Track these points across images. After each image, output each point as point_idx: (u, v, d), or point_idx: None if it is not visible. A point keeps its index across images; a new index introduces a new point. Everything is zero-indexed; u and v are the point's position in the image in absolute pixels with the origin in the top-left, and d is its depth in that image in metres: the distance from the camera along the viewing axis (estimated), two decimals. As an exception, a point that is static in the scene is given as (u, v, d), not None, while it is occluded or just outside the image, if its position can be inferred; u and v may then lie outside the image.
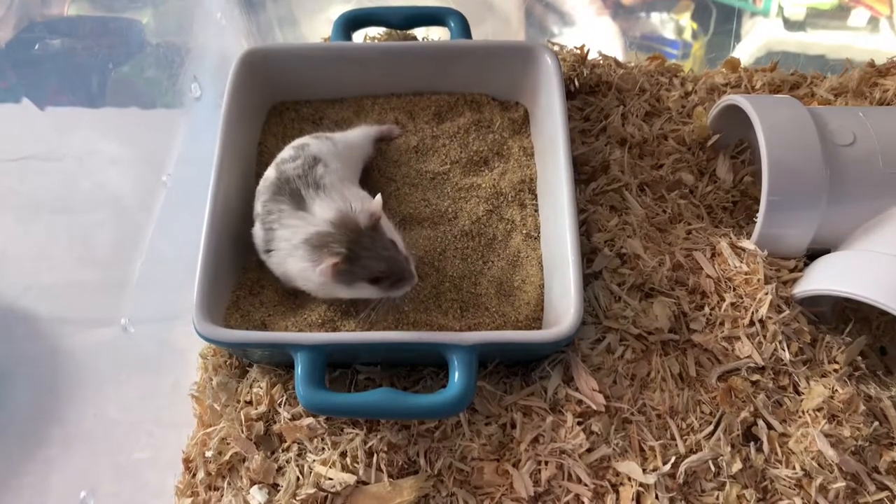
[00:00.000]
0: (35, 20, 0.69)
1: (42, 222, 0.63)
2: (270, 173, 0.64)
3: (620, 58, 0.86)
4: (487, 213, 0.68)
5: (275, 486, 0.59)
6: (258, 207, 0.63)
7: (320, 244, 0.58)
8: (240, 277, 0.66)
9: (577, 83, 0.79)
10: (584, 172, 0.74)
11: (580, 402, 0.60)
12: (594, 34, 0.94)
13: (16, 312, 0.59)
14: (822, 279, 0.63)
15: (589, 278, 0.66)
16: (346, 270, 0.57)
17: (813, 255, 0.67)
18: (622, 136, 0.76)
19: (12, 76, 0.64)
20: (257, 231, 0.63)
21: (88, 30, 0.71)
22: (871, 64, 0.83)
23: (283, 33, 0.95)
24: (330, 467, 0.58)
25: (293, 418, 0.61)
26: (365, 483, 0.58)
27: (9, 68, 0.64)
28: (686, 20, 0.98)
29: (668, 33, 0.98)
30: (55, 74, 0.67)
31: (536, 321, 0.63)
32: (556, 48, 0.82)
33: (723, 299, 0.65)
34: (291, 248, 0.60)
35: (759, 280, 0.65)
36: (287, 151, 0.66)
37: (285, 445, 0.61)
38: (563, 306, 0.60)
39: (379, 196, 0.60)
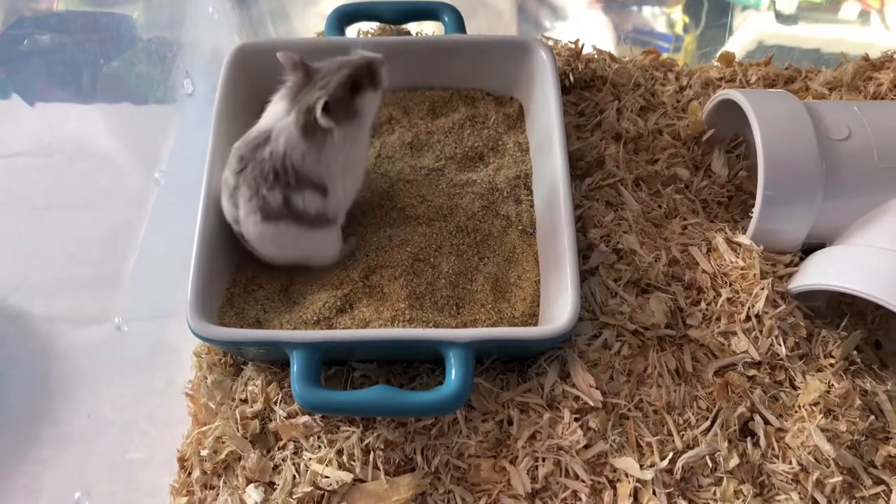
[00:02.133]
0: (24, 15, 0.68)
1: (33, 219, 0.62)
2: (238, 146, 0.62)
3: (613, 51, 0.86)
4: (483, 209, 0.68)
5: (271, 485, 0.59)
6: (230, 179, 0.61)
7: (304, 122, 0.58)
8: (234, 275, 0.65)
9: (571, 78, 0.79)
10: (579, 168, 0.73)
11: (577, 398, 0.60)
12: (586, 28, 0.94)
13: (7, 311, 0.59)
14: (817, 274, 0.63)
15: (585, 274, 0.66)
16: (333, 103, 0.57)
17: (808, 249, 0.67)
18: (617, 131, 0.76)
19: (2, 71, 0.63)
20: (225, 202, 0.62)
21: (79, 25, 0.70)
22: (866, 58, 0.83)
23: (275, 28, 0.94)
24: (326, 465, 0.58)
25: (289, 416, 0.61)
26: (362, 481, 0.58)
27: (-3, 64, 0.63)
28: (678, 13, 0.97)
29: (661, 27, 0.98)
30: (45, 70, 0.66)
31: (533, 317, 0.63)
32: (550, 43, 0.82)
33: (719, 294, 0.65)
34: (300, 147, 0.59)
35: (754, 275, 0.65)
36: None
37: (281, 444, 0.60)
38: (560, 302, 0.59)
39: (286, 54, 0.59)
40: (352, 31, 0.79)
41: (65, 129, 0.66)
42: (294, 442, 0.60)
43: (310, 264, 0.65)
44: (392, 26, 0.81)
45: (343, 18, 0.76)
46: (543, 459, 0.58)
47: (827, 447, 0.58)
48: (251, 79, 0.72)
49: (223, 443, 0.61)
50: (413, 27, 0.83)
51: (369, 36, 0.82)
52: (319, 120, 0.57)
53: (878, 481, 0.59)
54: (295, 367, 0.56)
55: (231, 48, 0.71)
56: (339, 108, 0.58)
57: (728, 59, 0.85)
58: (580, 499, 0.57)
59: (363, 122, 0.62)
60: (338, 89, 0.58)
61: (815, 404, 0.60)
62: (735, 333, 0.63)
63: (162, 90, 0.77)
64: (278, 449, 0.60)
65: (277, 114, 0.60)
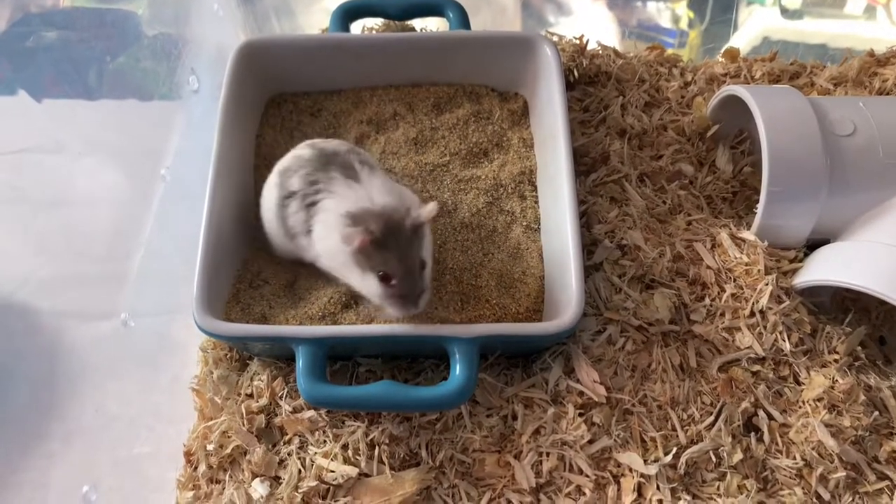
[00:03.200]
0: (30, 12, 0.68)
1: (40, 216, 0.62)
2: (303, 151, 0.62)
3: (617, 46, 0.86)
4: (487, 205, 0.68)
5: (276, 479, 0.59)
6: (295, 184, 0.60)
7: (362, 218, 0.56)
8: (240, 271, 0.66)
9: (576, 74, 0.79)
10: (583, 164, 0.73)
11: (581, 393, 0.60)
12: (590, 23, 0.94)
13: (15, 307, 0.59)
14: (821, 269, 0.63)
15: (589, 270, 0.66)
16: (368, 253, 0.55)
17: (813, 245, 0.67)
18: (622, 127, 0.76)
19: (8, 68, 0.63)
20: (292, 213, 0.61)
21: (85, 22, 0.70)
22: (871, 53, 0.83)
23: (279, 24, 0.94)
24: (332, 460, 0.58)
25: (294, 411, 0.61)
26: (367, 475, 0.58)
27: (4, 60, 0.63)
28: (682, 9, 0.97)
29: (665, 22, 0.97)
30: (51, 66, 0.66)
31: (537, 313, 0.63)
32: (555, 38, 0.82)
33: (723, 290, 0.65)
34: (334, 218, 0.57)
35: (759, 271, 0.65)
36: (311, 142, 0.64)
37: (287, 438, 0.61)
38: (564, 298, 0.60)
39: (434, 203, 0.57)
40: (356, 27, 0.79)
41: (71, 125, 0.66)
42: (299, 436, 0.60)
43: None
44: (396, 22, 0.81)
45: (347, 14, 0.76)
46: (548, 454, 0.59)
47: (831, 442, 0.58)
48: (256, 75, 0.72)
49: (229, 437, 0.61)
50: (417, 23, 0.83)
51: (374, 32, 0.82)
52: (345, 237, 0.55)
53: (882, 476, 0.59)
54: (300, 363, 0.57)
55: (236, 45, 0.71)
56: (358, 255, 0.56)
57: (733, 54, 0.85)
58: (584, 493, 0.57)
59: (360, 285, 0.59)
60: (373, 256, 0.56)
61: (819, 400, 0.61)
62: (739, 329, 0.63)
63: (167, 87, 0.78)
64: (284, 443, 0.61)
65: (374, 188, 0.58)
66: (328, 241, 0.59)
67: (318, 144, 0.63)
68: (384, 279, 0.56)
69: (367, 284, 0.58)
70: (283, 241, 0.64)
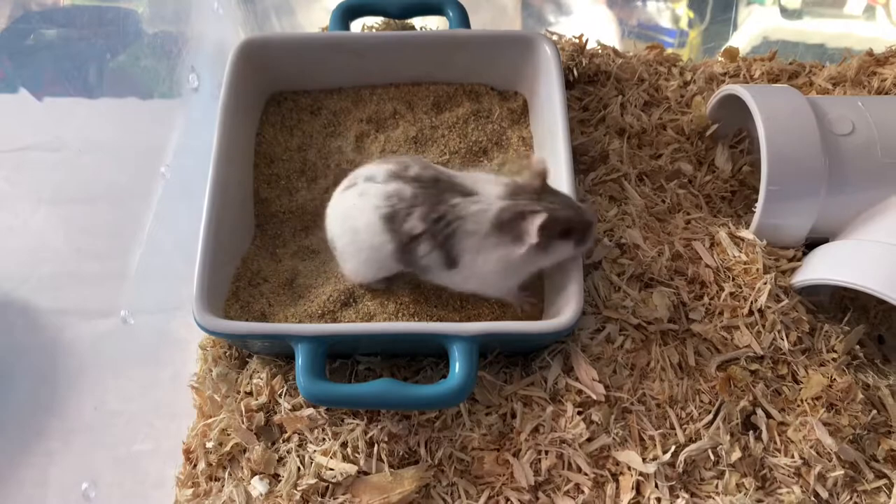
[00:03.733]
0: (30, 10, 0.68)
1: (40, 213, 0.62)
2: (399, 187, 0.58)
3: (617, 45, 0.86)
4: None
5: (276, 477, 0.60)
6: (417, 226, 0.57)
7: (510, 218, 0.56)
8: (239, 269, 0.66)
9: (575, 73, 0.79)
10: (583, 162, 0.74)
11: (580, 391, 0.60)
12: (590, 22, 0.94)
13: (15, 304, 0.59)
14: (820, 268, 0.64)
15: (588, 268, 0.66)
16: (549, 227, 0.55)
17: (811, 244, 0.67)
18: (621, 126, 0.76)
19: (9, 66, 0.63)
20: (424, 255, 0.58)
21: (85, 19, 0.71)
22: (870, 53, 0.83)
23: (279, 22, 0.94)
24: (331, 458, 0.59)
25: (293, 409, 0.61)
26: (366, 473, 0.58)
27: (5, 58, 0.63)
28: (682, 8, 0.97)
29: (665, 21, 0.97)
30: (51, 64, 0.66)
31: (536, 311, 0.63)
32: (554, 38, 0.82)
33: (722, 289, 0.66)
34: (481, 240, 0.57)
35: (757, 269, 0.65)
36: (383, 166, 0.60)
37: (286, 436, 0.61)
38: (564, 297, 0.60)
39: (539, 157, 0.59)
40: (356, 25, 0.80)
41: (71, 123, 0.66)
42: (299, 434, 0.61)
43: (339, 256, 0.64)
44: (397, 21, 0.81)
45: (348, 13, 0.76)
46: (546, 452, 0.59)
47: (829, 441, 0.58)
48: (256, 73, 0.72)
49: (228, 435, 0.61)
50: (417, 22, 0.83)
51: (374, 31, 0.82)
52: (529, 231, 0.55)
53: (880, 475, 0.59)
54: (300, 360, 0.57)
55: (236, 43, 0.71)
56: (543, 235, 0.55)
57: (732, 54, 0.85)
58: (583, 491, 0.57)
59: (536, 261, 0.59)
60: (557, 221, 0.56)
61: (818, 398, 0.61)
62: (738, 328, 0.64)
63: (167, 85, 0.78)
64: (283, 441, 0.61)
65: (490, 188, 0.58)
66: (492, 259, 0.57)
67: (403, 173, 0.59)
68: (567, 234, 0.57)
69: (557, 253, 0.58)
70: (390, 267, 0.61)
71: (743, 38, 0.93)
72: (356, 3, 0.76)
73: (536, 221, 0.54)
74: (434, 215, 0.57)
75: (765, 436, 0.60)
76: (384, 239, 0.58)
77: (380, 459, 0.59)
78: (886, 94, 0.79)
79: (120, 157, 0.70)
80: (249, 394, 0.63)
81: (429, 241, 0.57)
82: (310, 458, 0.59)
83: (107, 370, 0.64)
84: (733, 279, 0.66)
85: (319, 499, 0.58)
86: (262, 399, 0.62)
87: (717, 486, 0.58)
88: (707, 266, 0.67)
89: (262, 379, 0.63)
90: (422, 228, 0.57)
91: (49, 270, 0.62)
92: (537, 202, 0.56)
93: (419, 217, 0.57)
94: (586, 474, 0.58)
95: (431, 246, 0.58)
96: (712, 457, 0.59)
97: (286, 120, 0.74)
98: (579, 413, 0.60)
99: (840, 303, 0.68)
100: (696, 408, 0.61)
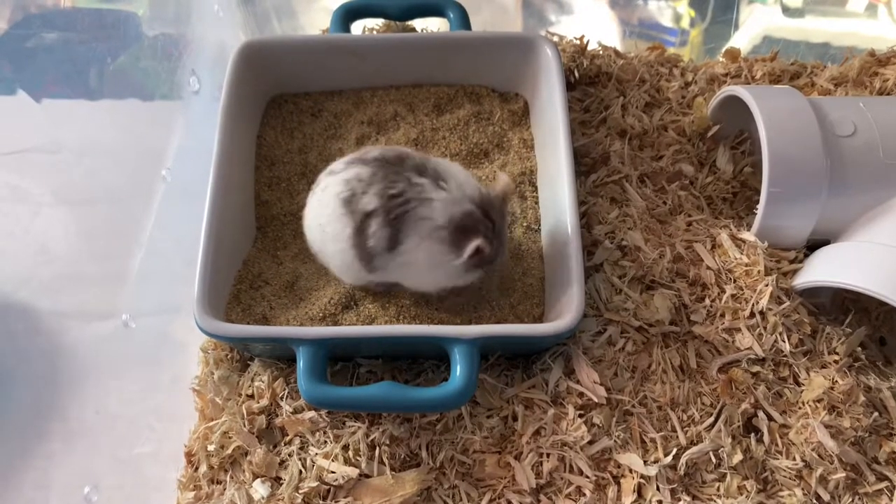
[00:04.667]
0: (31, 12, 0.68)
1: (41, 216, 0.62)
2: (359, 170, 0.57)
3: (618, 45, 0.85)
4: (488, 206, 0.68)
5: (277, 480, 0.60)
6: (373, 202, 0.55)
7: (467, 225, 0.55)
8: (240, 271, 0.66)
9: (576, 74, 0.79)
10: (584, 164, 0.73)
11: (581, 394, 0.60)
12: (591, 22, 0.94)
13: (16, 307, 0.59)
14: (821, 270, 0.63)
15: (590, 271, 0.66)
16: (476, 256, 0.55)
17: (813, 246, 0.67)
18: (622, 128, 0.76)
19: (9, 69, 0.64)
20: (372, 233, 0.56)
21: (86, 22, 0.71)
22: (872, 53, 0.83)
23: (280, 24, 0.94)
24: (332, 461, 0.59)
25: (295, 412, 0.61)
26: (367, 476, 0.58)
27: (5, 61, 0.63)
28: (684, 7, 0.97)
29: (666, 21, 0.97)
30: (52, 67, 0.66)
31: (537, 314, 0.63)
32: (555, 39, 0.82)
33: (723, 291, 0.65)
34: (431, 229, 0.55)
35: (759, 271, 0.65)
36: (344, 158, 0.60)
37: (287, 439, 0.61)
38: (565, 299, 0.60)
39: (506, 177, 0.59)
40: (357, 27, 0.79)
41: (72, 125, 0.66)
42: (300, 437, 0.61)
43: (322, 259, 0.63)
44: (397, 23, 0.81)
45: (348, 15, 0.76)
46: (548, 455, 0.59)
47: (830, 443, 0.58)
48: (257, 75, 0.72)
49: (230, 438, 0.61)
50: (418, 24, 0.83)
51: (374, 33, 0.82)
52: (466, 248, 0.55)
53: (882, 477, 0.59)
54: (301, 363, 0.57)
55: (236, 45, 0.71)
56: (470, 262, 0.56)
57: (733, 54, 0.85)
58: (584, 494, 0.57)
59: (463, 275, 0.59)
60: (484, 255, 0.56)
61: (819, 401, 0.61)
62: (739, 330, 0.64)
63: (168, 87, 0.78)
64: (284, 444, 0.61)
65: (462, 185, 0.57)
66: (429, 252, 0.56)
67: (363, 157, 0.58)
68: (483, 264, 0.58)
69: (471, 275, 0.59)
70: (358, 269, 0.60)
71: (744, 38, 0.93)
72: (356, 4, 0.76)
73: (472, 245, 0.55)
74: (392, 191, 0.55)
75: (766, 438, 0.60)
76: (343, 224, 0.57)
77: (381, 462, 0.59)
78: (888, 94, 0.79)
79: (121, 159, 0.70)
80: (251, 397, 0.63)
81: (381, 217, 0.56)
82: (311, 460, 0.59)
83: (108, 373, 0.64)
84: (735, 281, 0.66)
85: (321, 502, 0.58)
86: (264, 402, 0.62)
87: (718, 489, 0.58)
88: (708, 268, 0.67)
89: (263, 382, 0.63)
90: (376, 204, 0.56)
91: (50, 273, 0.62)
92: (490, 226, 0.56)
93: (375, 192, 0.56)
94: (588, 477, 0.58)
95: (382, 223, 0.56)
96: (714, 459, 0.58)
97: (287, 122, 0.74)
98: (581, 415, 0.60)
99: (842, 305, 0.68)
100: (697, 410, 0.60)
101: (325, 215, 0.58)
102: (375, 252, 0.57)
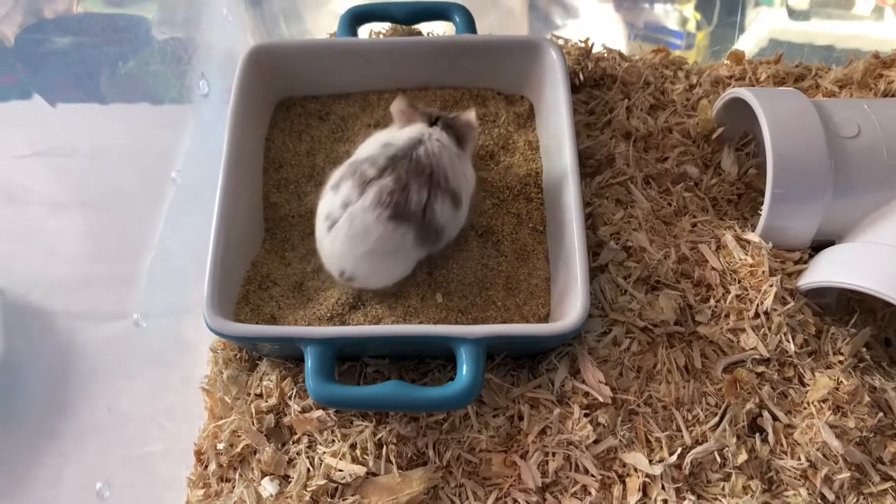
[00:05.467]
0: (43, 17, 0.69)
1: (54, 217, 0.63)
2: (382, 184, 0.59)
3: (624, 48, 0.86)
4: (494, 207, 0.69)
5: (286, 478, 0.60)
6: (419, 193, 0.59)
7: (454, 125, 0.64)
8: (249, 272, 0.66)
9: (581, 77, 0.79)
10: (589, 166, 0.74)
11: (587, 394, 0.61)
12: (597, 25, 0.95)
13: (29, 308, 0.60)
14: (826, 271, 0.64)
15: (595, 271, 0.66)
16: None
17: (818, 246, 0.68)
18: (627, 130, 0.76)
19: (22, 72, 0.65)
20: (438, 212, 0.60)
21: (98, 27, 0.72)
22: (876, 55, 0.83)
23: (288, 28, 0.95)
24: (340, 459, 0.59)
25: (303, 411, 0.62)
26: (375, 474, 0.59)
27: (19, 65, 0.64)
28: (689, 10, 0.97)
29: (672, 24, 0.98)
30: (64, 71, 0.67)
31: (543, 314, 0.64)
32: (560, 42, 0.83)
33: (728, 291, 0.66)
34: (453, 159, 0.62)
35: (763, 272, 0.65)
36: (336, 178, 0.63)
37: (296, 438, 0.62)
38: (570, 299, 0.60)
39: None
40: (364, 31, 0.80)
41: (84, 128, 0.67)
42: (308, 436, 0.61)
43: (362, 282, 0.63)
44: (403, 27, 0.81)
45: (355, 19, 0.77)
46: (553, 454, 0.59)
47: (835, 443, 0.59)
48: (265, 79, 0.73)
49: (239, 437, 0.62)
50: (424, 27, 0.83)
51: (381, 36, 0.83)
52: (473, 120, 0.64)
53: (887, 477, 0.59)
54: (309, 363, 0.57)
55: (245, 49, 0.72)
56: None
57: (738, 57, 0.85)
58: (590, 493, 0.58)
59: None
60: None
61: (824, 401, 0.61)
62: (744, 330, 0.64)
63: (178, 91, 0.79)
64: (293, 443, 0.61)
65: (417, 128, 0.62)
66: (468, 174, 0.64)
67: (365, 174, 0.60)
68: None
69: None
70: (417, 256, 0.63)
71: (750, 40, 0.93)
72: (364, 9, 0.77)
73: (472, 113, 0.63)
74: (414, 176, 0.59)
75: (771, 438, 0.60)
76: (402, 232, 0.59)
77: (388, 461, 0.59)
78: (893, 96, 0.79)
79: (132, 162, 0.71)
80: (259, 396, 0.64)
81: (438, 194, 0.60)
82: (319, 459, 0.60)
83: (119, 372, 0.65)
84: (739, 282, 0.66)
85: (329, 500, 0.59)
86: (272, 401, 0.63)
87: (723, 489, 0.58)
88: (713, 269, 0.67)
89: (271, 381, 0.64)
90: (424, 194, 0.59)
91: (62, 274, 0.63)
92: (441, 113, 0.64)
93: (414, 189, 0.59)
94: (593, 476, 0.58)
95: (442, 196, 0.60)
96: (719, 459, 0.59)
97: (295, 125, 0.75)
98: (586, 415, 0.60)
99: (847, 305, 0.68)
100: (702, 410, 0.61)
101: (373, 240, 0.59)
102: (441, 224, 0.61)
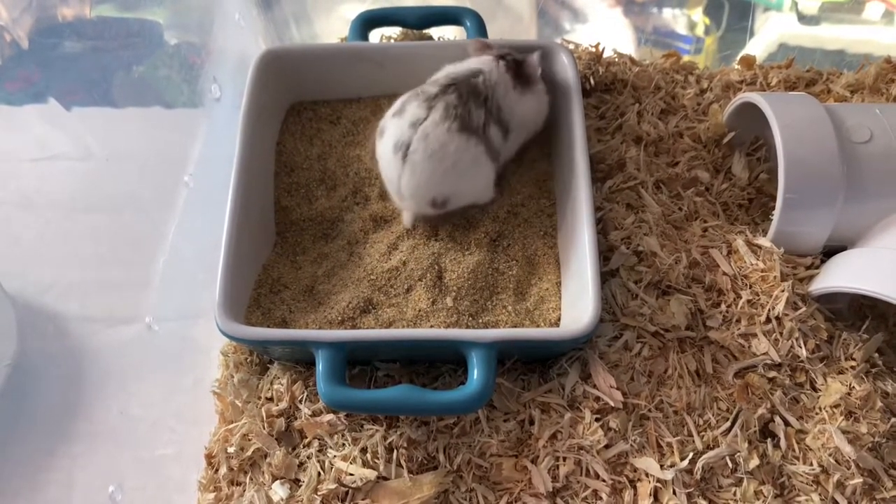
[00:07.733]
0: (58, 22, 0.70)
1: (68, 221, 0.64)
2: (447, 99, 0.63)
3: (633, 53, 0.86)
4: (505, 212, 0.69)
5: (296, 482, 0.60)
6: (478, 117, 0.63)
7: (515, 63, 0.68)
8: (260, 276, 0.67)
9: (592, 81, 0.79)
10: (600, 170, 0.74)
11: (598, 398, 0.60)
12: (606, 30, 0.95)
13: (43, 311, 0.61)
14: (838, 276, 0.64)
15: (606, 276, 0.66)
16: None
17: (829, 252, 0.67)
18: (638, 134, 0.76)
19: (38, 76, 0.65)
20: (494, 134, 0.65)
21: (112, 32, 0.72)
22: (888, 60, 0.83)
23: (299, 32, 0.96)
24: (350, 463, 0.59)
25: (314, 414, 0.62)
26: (385, 478, 0.59)
27: (35, 69, 0.65)
28: (699, 15, 0.98)
29: (681, 28, 0.98)
30: (79, 75, 0.68)
31: (554, 319, 0.64)
32: (571, 46, 0.83)
33: (739, 296, 0.66)
34: (507, 93, 0.67)
35: (775, 277, 0.65)
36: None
37: (306, 441, 0.62)
38: (581, 304, 0.60)
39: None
40: (374, 35, 0.81)
41: (98, 132, 0.67)
42: (319, 440, 0.61)
43: (455, 202, 0.65)
44: (414, 31, 0.82)
45: (366, 24, 0.77)
46: (564, 459, 0.59)
47: (847, 449, 0.58)
48: (277, 83, 0.73)
49: (249, 440, 0.62)
50: (435, 32, 0.84)
51: (392, 41, 0.83)
52: (534, 65, 0.67)
53: (899, 483, 0.59)
54: (320, 366, 0.58)
55: (257, 54, 0.72)
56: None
57: (749, 62, 0.85)
58: (601, 498, 0.58)
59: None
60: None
61: (836, 406, 0.61)
62: (755, 335, 0.64)
63: (190, 95, 0.79)
64: (303, 446, 0.61)
65: (482, 60, 0.67)
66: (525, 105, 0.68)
67: (429, 92, 0.64)
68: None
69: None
70: (490, 172, 0.66)
71: (760, 45, 0.93)
72: (375, 13, 0.77)
73: (535, 58, 0.67)
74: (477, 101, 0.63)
75: (783, 443, 0.60)
76: (475, 142, 0.63)
77: (399, 465, 0.59)
78: (905, 101, 0.79)
79: (144, 166, 0.72)
80: (270, 399, 0.64)
81: (489, 113, 0.64)
82: (330, 463, 0.60)
83: (131, 375, 0.65)
84: (750, 287, 0.66)
85: (339, 503, 0.59)
86: (283, 405, 0.63)
87: (735, 494, 0.58)
88: (724, 274, 0.67)
89: (282, 385, 0.64)
90: (482, 118, 0.64)
91: (76, 277, 0.64)
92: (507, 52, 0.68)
93: (474, 104, 0.63)
94: (604, 481, 0.58)
95: (493, 121, 0.64)
96: (730, 464, 0.59)
97: (306, 129, 0.76)
98: (597, 420, 0.60)
99: (858, 311, 0.68)
100: (713, 415, 0.61)
101: (451, 152, 0.62)
102: (497, 147, 0.65)
